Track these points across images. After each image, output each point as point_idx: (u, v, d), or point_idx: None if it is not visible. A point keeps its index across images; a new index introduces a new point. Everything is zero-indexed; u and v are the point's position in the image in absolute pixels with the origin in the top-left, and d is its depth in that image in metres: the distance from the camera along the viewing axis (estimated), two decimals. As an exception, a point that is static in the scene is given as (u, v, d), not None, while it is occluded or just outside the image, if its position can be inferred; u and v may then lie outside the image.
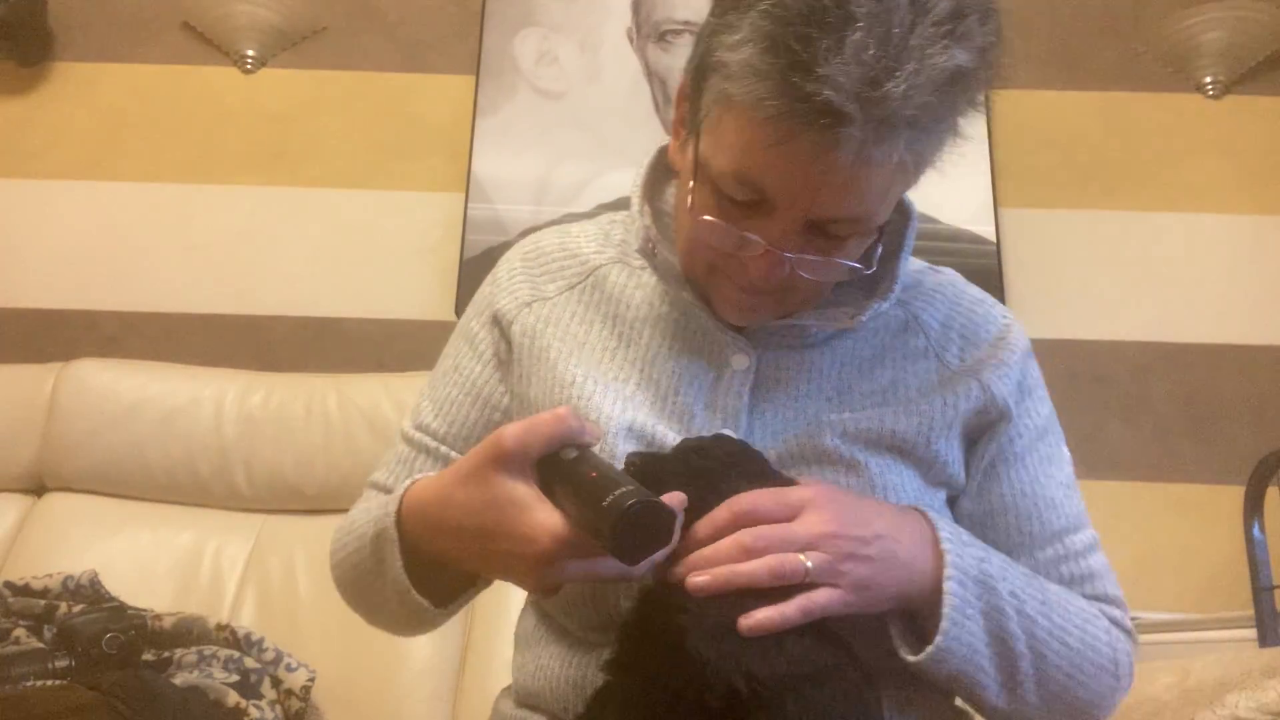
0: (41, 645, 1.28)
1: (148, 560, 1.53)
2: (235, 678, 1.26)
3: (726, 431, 0.81)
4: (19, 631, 1.30)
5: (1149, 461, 1.86)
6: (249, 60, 2.04)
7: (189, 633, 1.33)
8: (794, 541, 0.68)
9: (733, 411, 0.82)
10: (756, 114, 0.68)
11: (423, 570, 0.79)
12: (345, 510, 1.61)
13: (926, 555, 0.74)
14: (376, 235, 1.96)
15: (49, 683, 1.17)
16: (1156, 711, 0.84)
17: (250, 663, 1.30)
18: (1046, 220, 1.97)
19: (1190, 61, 2.03)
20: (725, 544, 0.68)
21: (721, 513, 0.69)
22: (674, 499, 0.67)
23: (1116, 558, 1.89)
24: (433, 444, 0.91)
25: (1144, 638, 1.44)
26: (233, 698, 1.21)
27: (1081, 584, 0.86)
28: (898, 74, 0.64)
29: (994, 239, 1.91)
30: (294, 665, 1.32)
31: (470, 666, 1.47)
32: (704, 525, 0.69)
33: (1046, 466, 0.87)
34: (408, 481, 0.81)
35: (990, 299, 0.94)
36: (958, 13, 0.67)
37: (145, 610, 1.37)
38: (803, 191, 0.71)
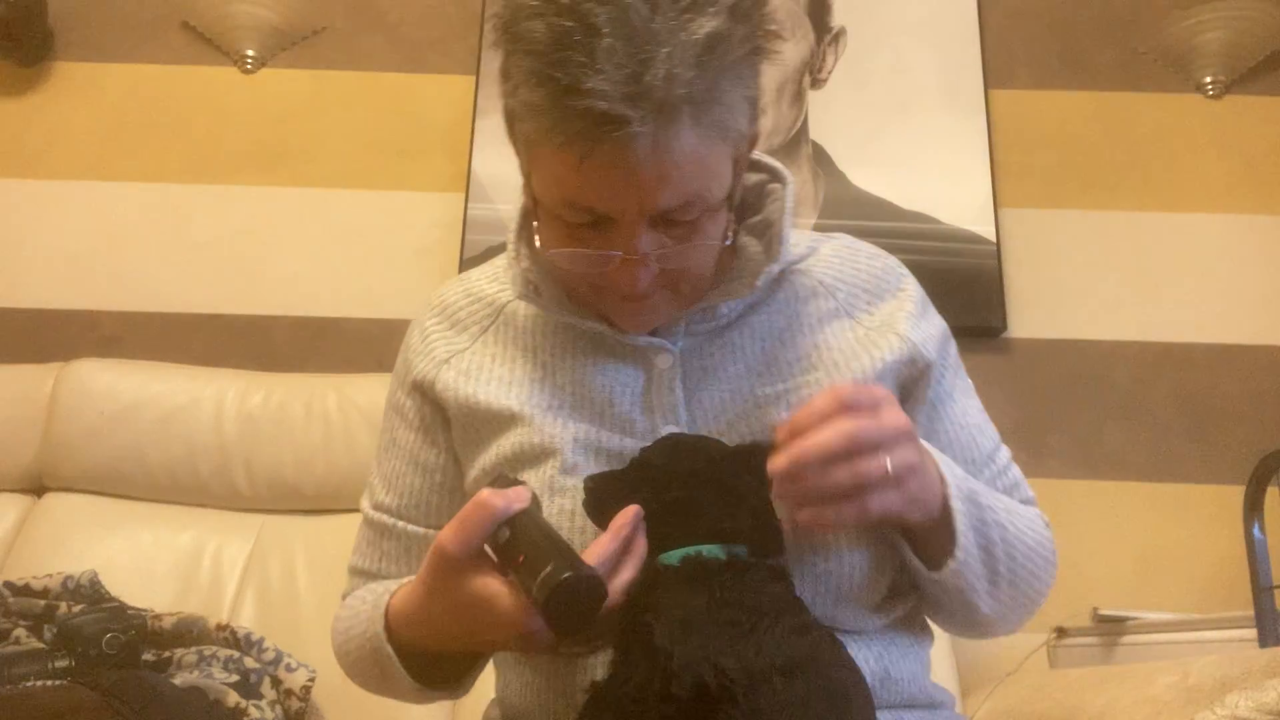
0: (41, 645, 1.28)
1: (148, 560, 1.53)
2: (235, 678, 1.26)
3: (670, 429, 0.83)
4: (19, 631, 1.30)
5: (1149, 461, 1.86)
6: (249, 60, 2.04)
7: (189, 633, 1.33)
8: (886, 434, 0.71)
9: (670, 407, 0.84)
10: (552, 144, 0.72)
11: (429, 664, 0.82)
12: (345, 510, 1.62)
13: (935, 474, 0.77)
14: (376, 235, 1.96)
15: (49, 683, 1.17)
16: (1157, 712, 0.84)
17: (250, 663, 1.30)
18: (1046, 220, 1.97)
19: (1190, 61, 2.03)
20: (832, 436, 0.69)
21: (825, 400, 0.71)
22: (628, 514, 0.72)
23: (1116, 558, 1.90)
24: (389, 521, 0.93)
25: (1144, 638, 1.44)
26: (233, 698, 1.21)
27: (1012, 493, 0.92)
28: (654, 62, 0.67)
29: (994, 239, 1.91)
30: (294, 665, 1.32)
31: (470, 666, 1.47)
32: (809, 415, 0.70)
33: (968, 397, 0.94)
34: (387, 597, 0.83)
35: (883, 252, 0.97)
36: None
37: (145, 610, 1.37)
38: (624, 197, 0.73)
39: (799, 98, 2.01)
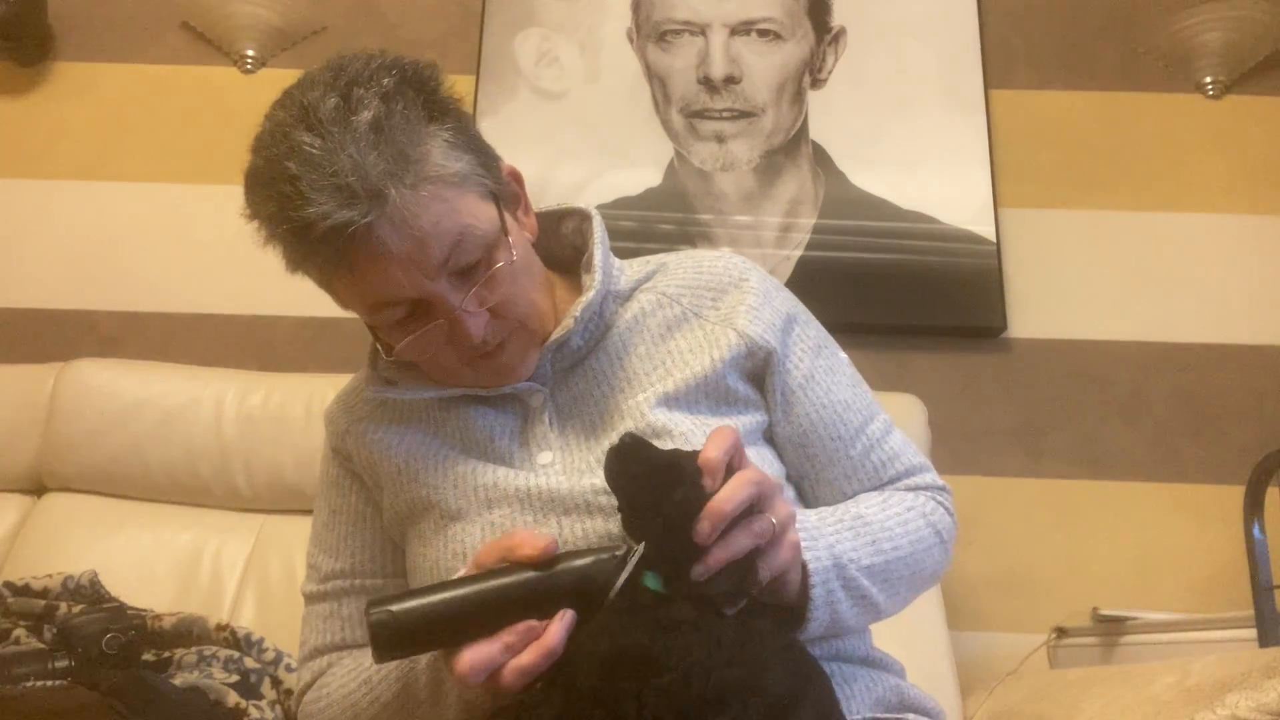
0: (41, 645, 1.27)
1: (148, 560, 1.53)
2: (235, 678, 1.26)
3: (545, 454, 0.91)
4: (19, 631, 1.30)
5: (1149, 461, 1.86)
6: (249, 60, 2.04)
7: (189, 633, 1.33)
8: (771, 487, 0.77)
9: (541, 437, 0.93)
10: (327, 274, 0.83)
11: None
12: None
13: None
14: (376, 235, 1.96)
15: (49, 683, 1.17)
16: (1157, 711, 0.84)
17: (250, 663, 1.30)
18: (1046, 220, 1.97)
19: (1190, 61, 2.03)
20: (740, 489, 0.74)
21: (723, 440, 0.76)
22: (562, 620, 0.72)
23: (1117, 558, 1.90)
24: (346, 584, 0.98)
25: (1144, 638, 1.44)
26: (233, 698, 1.21)
27: (890, 464, 0.98)
28: (342, 169, 0.77)
29: (994, 239, 1.91)
30: (294, 665, 1.32)
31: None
32: (715, 458, 0.75)
33: (832, 376, 0.98)
34: None
35: (728, 253, 1.03)
36: (345, 99, 0.79)
37: (145, 610, 1.36)
38: (404, 274, 0.81)
39: (799, 98, 2.01)
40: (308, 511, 1.59)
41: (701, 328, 0.95)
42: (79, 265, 1.94)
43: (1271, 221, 1.96)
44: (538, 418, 0.94)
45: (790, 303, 1.01)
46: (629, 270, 1.01)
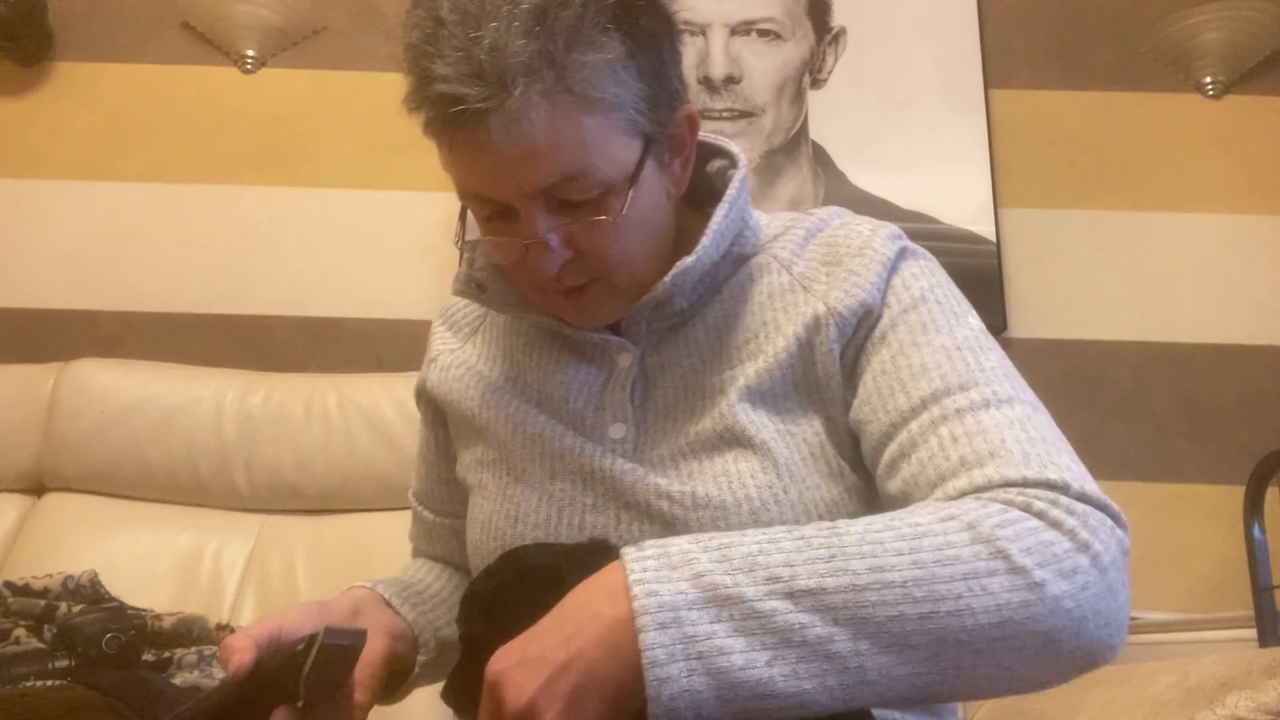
0: (41, 645, 1.27)
1: (148, 560, 1.53)
2: (235, 678, 1.26)
3: (618, 425, 0.85)
4: (19, 631, 1.30)
5: (1149, 461, 1.86)
6: (249, 60, 2.04)
7: (189, 633, 1.33)
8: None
9: (619, 405, 0.84)
10: (433, 130, 0.75)
11: None
12: (345, 510, 1.63)
13: (624, 610, 0.59)
14: (376, 235, 1.96)
15: (49, 683, 1.17)
16: (1156, 711, 0.84)
17: (250, 663, 1.30)
18: (1046, 220, 1.97)
19: (1190, 61, 2.03)
20: None
21: None
22: None
23: (1116, 558, 1.88)
24: (416, 505, 1.07)
25: (1144, 638, 1.44)
26: (233, 698, 1.21)
27: (967, 441, 0.70)
28: (482, 39, 0.68)
29: (994, 239, 1.91)
30: (294, 665, 1.32)
31: (470, 666, 1.46)
32: None
33: (917, 335, 0.78)
34: None
35: (860, 219, 0.87)
36: None
37: (145, 610, 1.36)
38: (497, 179, 0.74)
39: (799, 98, 2.01)
40: (308, 511, 1.61)
41: (808, 303, 0.82)
42: (79, 265, 1.94)
43: (1271, 221, 1.96)
44: (620, 383, 0.85)
45: (914, 265, 0.83)
46: (766, 228, 0.90)
